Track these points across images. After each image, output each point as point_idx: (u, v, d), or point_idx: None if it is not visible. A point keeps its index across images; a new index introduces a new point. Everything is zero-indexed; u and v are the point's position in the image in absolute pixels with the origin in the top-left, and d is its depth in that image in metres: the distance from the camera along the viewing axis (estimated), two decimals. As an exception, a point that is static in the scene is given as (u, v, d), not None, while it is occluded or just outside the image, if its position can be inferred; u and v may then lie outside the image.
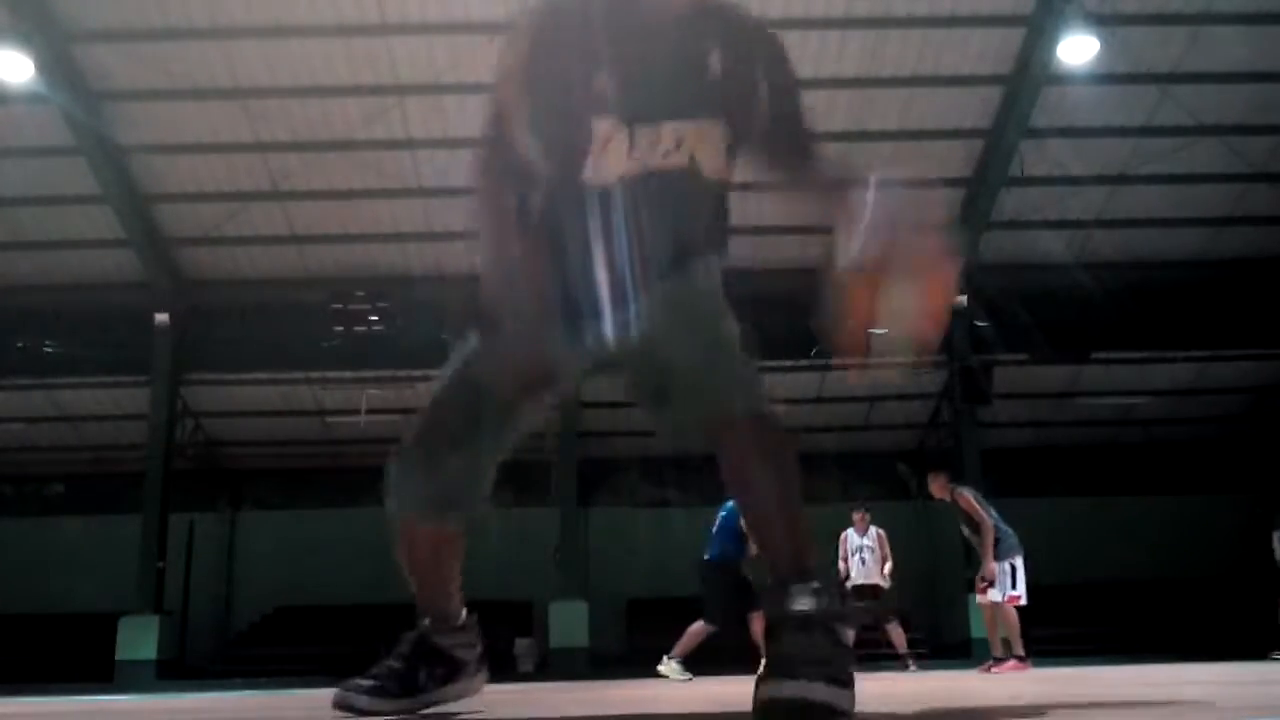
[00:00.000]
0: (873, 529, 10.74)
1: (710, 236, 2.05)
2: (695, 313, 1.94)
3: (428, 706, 2.15)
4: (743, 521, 2.17)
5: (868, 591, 10.35)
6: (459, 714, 2.26)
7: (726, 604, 8.11)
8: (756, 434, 1.85)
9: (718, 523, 8.37)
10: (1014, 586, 8.44)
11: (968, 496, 8.62)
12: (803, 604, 1.72)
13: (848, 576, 10.46)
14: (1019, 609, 8.46)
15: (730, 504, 7.88)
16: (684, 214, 1.96)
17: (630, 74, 1.91)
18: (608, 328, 1.89)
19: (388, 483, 2.06)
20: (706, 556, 8.36)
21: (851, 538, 10.63)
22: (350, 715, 2.07)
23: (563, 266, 1.94)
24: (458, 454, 2.02)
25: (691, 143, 1.92)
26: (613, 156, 1.91)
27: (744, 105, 1.99)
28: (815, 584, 1.74)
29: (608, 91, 1.90)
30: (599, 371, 2.07)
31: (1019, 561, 8.53)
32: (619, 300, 1.89)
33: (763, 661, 1.72)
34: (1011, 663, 8.23)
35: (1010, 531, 8.63)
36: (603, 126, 1.90)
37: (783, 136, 2.06)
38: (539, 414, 2.14)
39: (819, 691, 1.61)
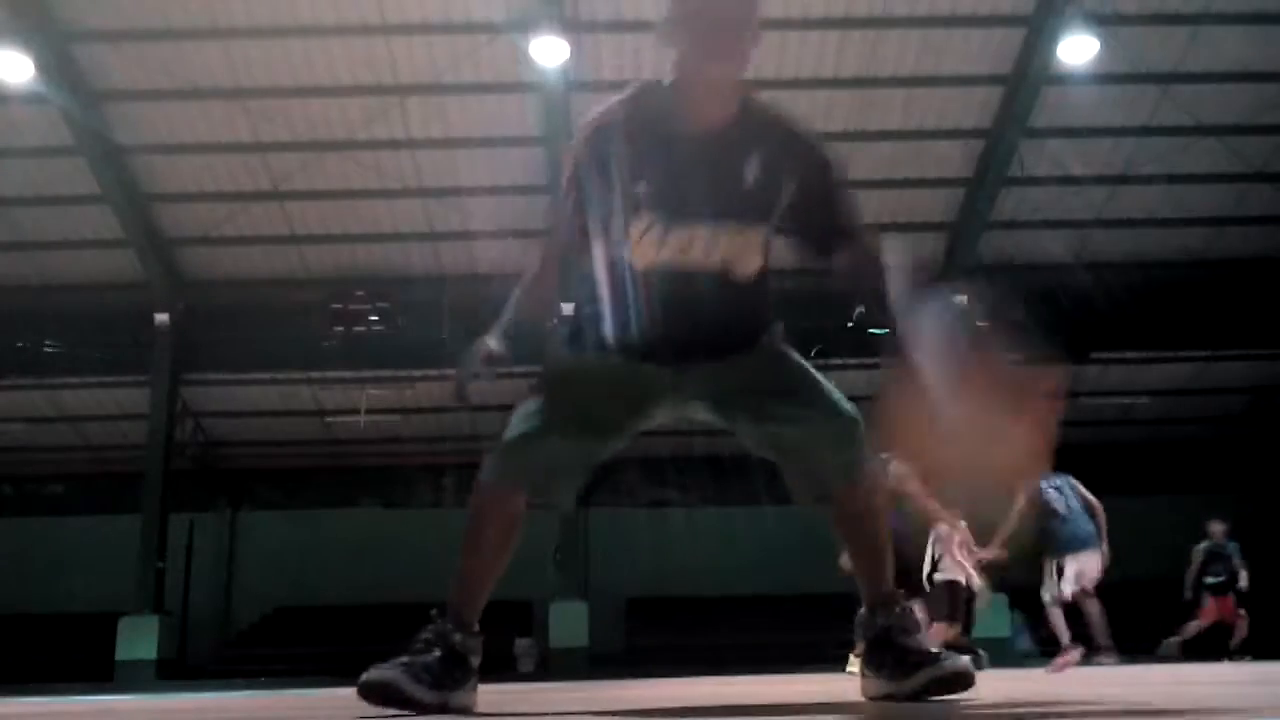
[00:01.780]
0: None
1: (753, 326, 2.30)
2: (806, 380, 2.33)
3: (449, 711, 2.11)
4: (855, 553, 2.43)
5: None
6: (461, 715, 2.26)
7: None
8: (877, 487, 2.34)
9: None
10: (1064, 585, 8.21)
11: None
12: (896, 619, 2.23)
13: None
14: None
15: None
16: (716, 310, 2.18)
17: (669, 178, 2.12)
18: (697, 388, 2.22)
19: (494, 457, 2.22)
20: None
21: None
22: (392, 703, 2.02)
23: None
24: (571, 447, 2.21)
25: (725, 247, 2.15)
26: (646, 249, 2.14)
27: (781, 210, 2.22)
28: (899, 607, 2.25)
29: (645, 192, 2.12)
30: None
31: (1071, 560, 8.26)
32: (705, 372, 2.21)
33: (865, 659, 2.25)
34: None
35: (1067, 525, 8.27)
36: (640, 223, 2.13)
37: (817, 231, 2.31)
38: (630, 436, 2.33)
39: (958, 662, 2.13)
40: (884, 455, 7.63)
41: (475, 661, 2.22)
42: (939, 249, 15.94)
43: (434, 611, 2.22)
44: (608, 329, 2.20)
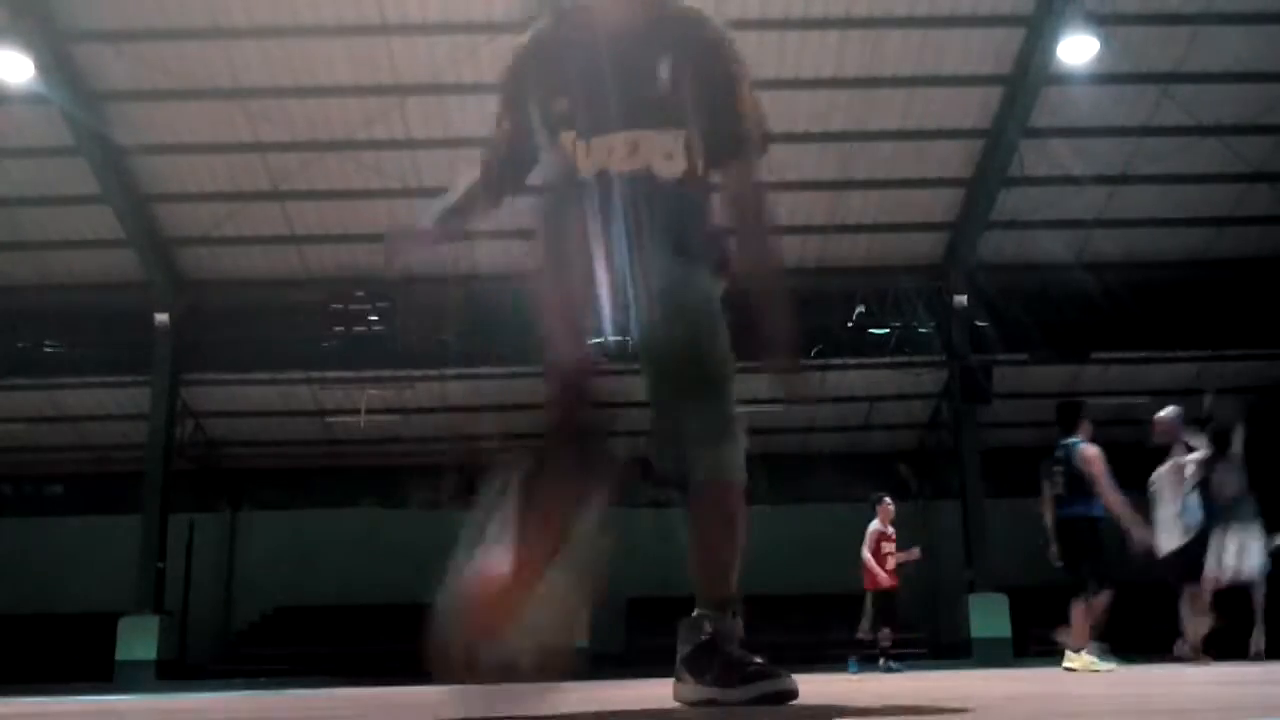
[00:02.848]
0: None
1: (692, 243, 2.21)
2: (689, 344, 2.20)
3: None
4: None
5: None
6: (458, 713, 2.25)
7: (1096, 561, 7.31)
8: (740, 499, 2.21)
9: (1060, 469, 7.58)
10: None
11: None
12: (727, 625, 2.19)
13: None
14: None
15: (1071, 443, 7.50)
16: (650, 214, 2.13)
17: (586, 89, 2.16)
18: (612, 327, 2.16)
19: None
20: (1063, 514, 7.51)
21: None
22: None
23: (570, 262, 2.18)
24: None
25: (645, 151, 2.14)
26: (575, 162, 2.17)
27: (700, 110, 2.17)
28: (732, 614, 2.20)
29: (566, 107, 2.17)
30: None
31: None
32: (619, 301, 2.12)
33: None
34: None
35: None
36: (566, 138, 2.17)
37: (713, 132, 2.20)
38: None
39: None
40: (1071, 440, 7.27)
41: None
42: (939, 249, 15.95)
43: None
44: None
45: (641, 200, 2.12)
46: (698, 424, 2.17)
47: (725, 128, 2.21)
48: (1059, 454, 7.54)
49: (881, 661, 10.14)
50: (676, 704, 2.22)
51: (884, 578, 10.26)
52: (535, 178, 2.36)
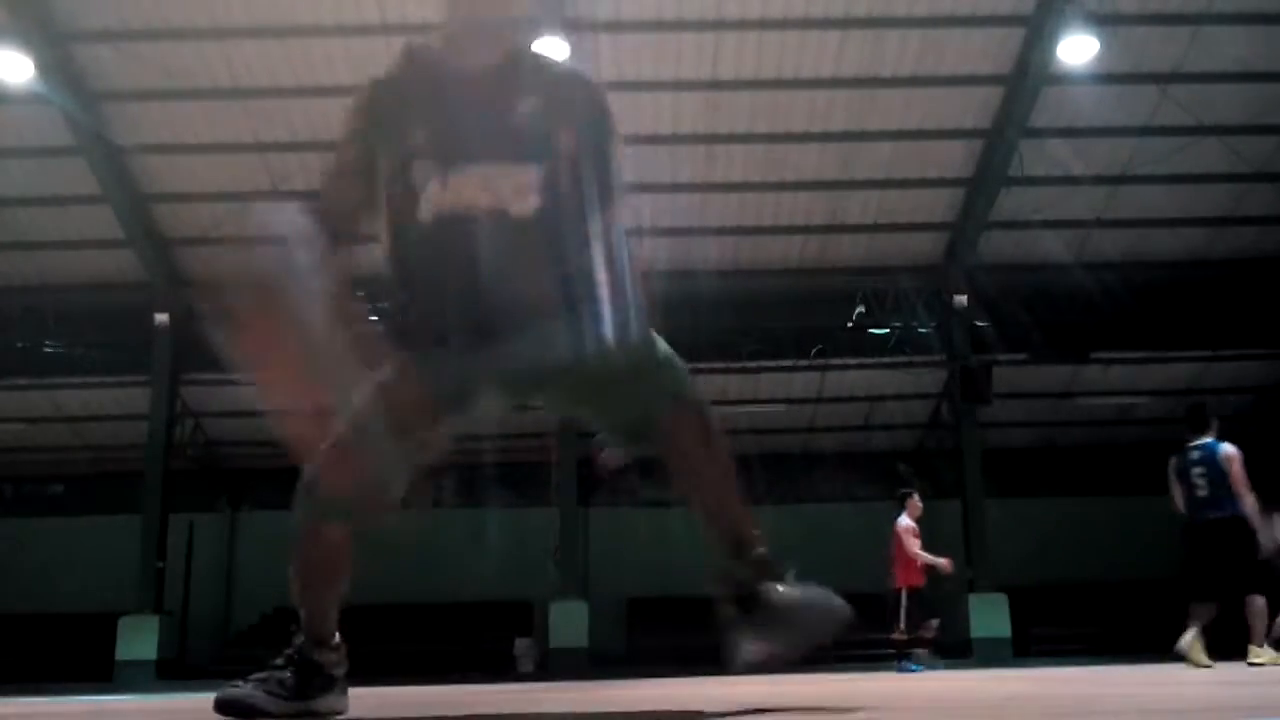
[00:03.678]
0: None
1: (558, 278, 2.11)
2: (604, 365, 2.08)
3: (310, 715, 2.18)
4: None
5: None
6: (458, 714, 2.26)
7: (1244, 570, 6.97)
8: (707, 418, 2.13)
9: (1202, 470, 7.26)
10: None
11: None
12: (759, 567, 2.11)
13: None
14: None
15: (1208, 444, 7.23)
16: (504, 253, 2.06)
17: (442, 124, 2.12)
18: (496, 358, 2.05)
19: (300, 489, 2.19)
20: (1213, 515, 7.08)
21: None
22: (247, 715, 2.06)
23: (435, 297, 2.13)
24: (375, 464, 2.14)
25: (500, 187, 2.08)
26: (425, 199, 2.09)
27: (553, 148, 2.13)
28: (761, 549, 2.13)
29: (420, 142, 2.12)
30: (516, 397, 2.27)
31: None
32: (497, 330, 2.05)
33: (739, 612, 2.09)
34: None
35: None
36: (418, 173, 2.11)
37: (589, 185, 2.15)
38: (450, 435, 2.24)
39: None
40: (1207, 440, 6.97)
41: (339, 670, 2.27)
42: (939, 249, 15.95)
43: (294, 627, 2.25)
44: (400, 298, 2.18)
45: (491, 237, 2.06)
46: (652, 381, 2.10)
47: (604, 180, 2.17)
48: (1195, 455, 7.35)
49: (905, 660, 9.89)
50: (686, 703, 2.21)
51: (916, 574, 9.97)
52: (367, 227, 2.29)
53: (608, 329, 1.99)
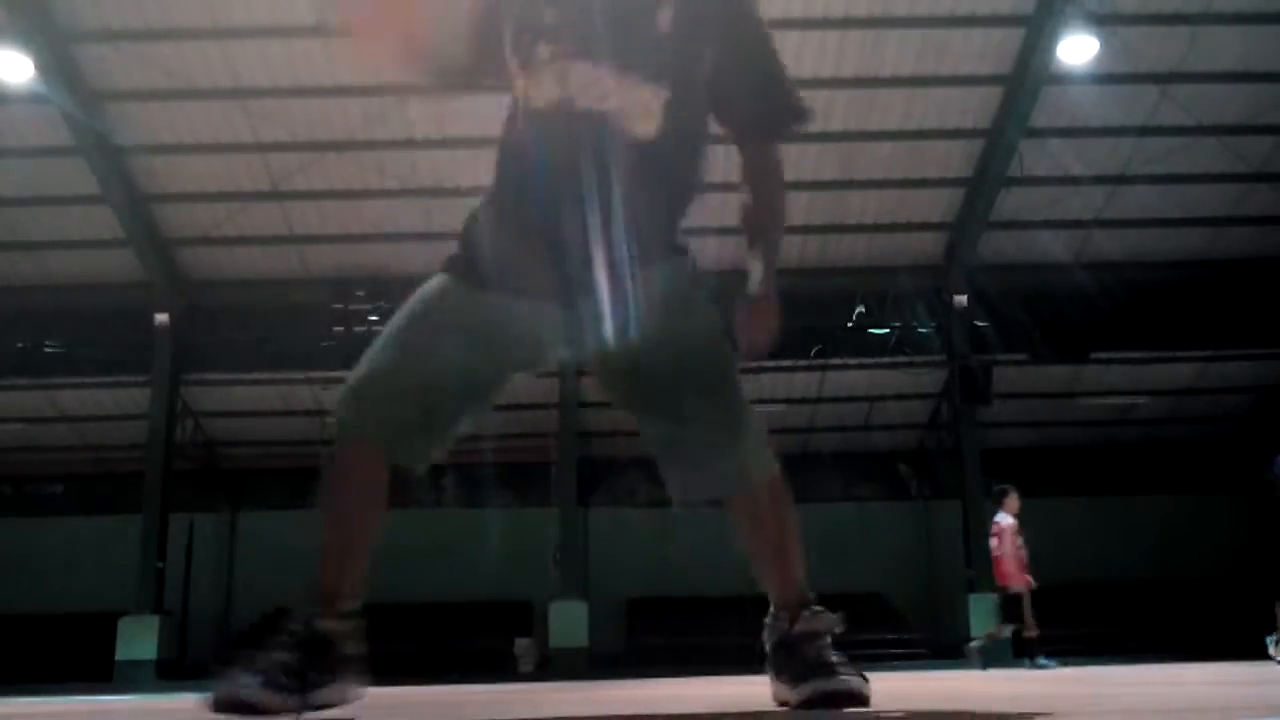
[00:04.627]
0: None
1: (662, 218, 2.00)
2: (701, 346, 2.05)
3: (318, 708, 1.86)
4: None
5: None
6: (458, 714, 2.26)
7: None
8: (780, 489, 2.17)
9: None
10: None
11: None
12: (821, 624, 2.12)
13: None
14: None
15: None
16: (621, 170, 1.90)
17: (580, 9, 1.94)
18: (597, 328, 1.92)
19: (345, 397, 1.98)
20: None
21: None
22: (245, 714, 1.77)
23: (540, 226, 1.95)
24: (431, 395, 1.95)
25: (627, 98, 1.91)
26: (546, 83, 1.93)
27: (693, 69, 1.98)
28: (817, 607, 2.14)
29: (552, 19, 1.94)
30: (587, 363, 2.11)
31: None
32: (607, 295, 1.90)
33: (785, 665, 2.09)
34: None
35: None
36: (543, 51, 1.93)
37: (739, 105, 2.05)
38: (511, 382, 2.10)
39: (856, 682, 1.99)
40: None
41: (353, 649, 1.93)
42: (939, 249, 15.95)
43: (303, 592, 1.96)
44: (500, 198, 2.01)
45: (605, 146, 1.88)
46: (726, 426, 2.04)
47: (767, 98, 2.07)
48: None
49: (1037, 657, 9.75)
50: (686, 703, 2.21)
51: (1018, 575, 9.82)
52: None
53: (670, 314, 1.91)
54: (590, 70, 1.90)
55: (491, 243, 2.00)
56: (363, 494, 1.97)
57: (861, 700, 1.94)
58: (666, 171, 1.96)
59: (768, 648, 2.16)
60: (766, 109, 2.13)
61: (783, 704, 2.09)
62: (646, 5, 1.94)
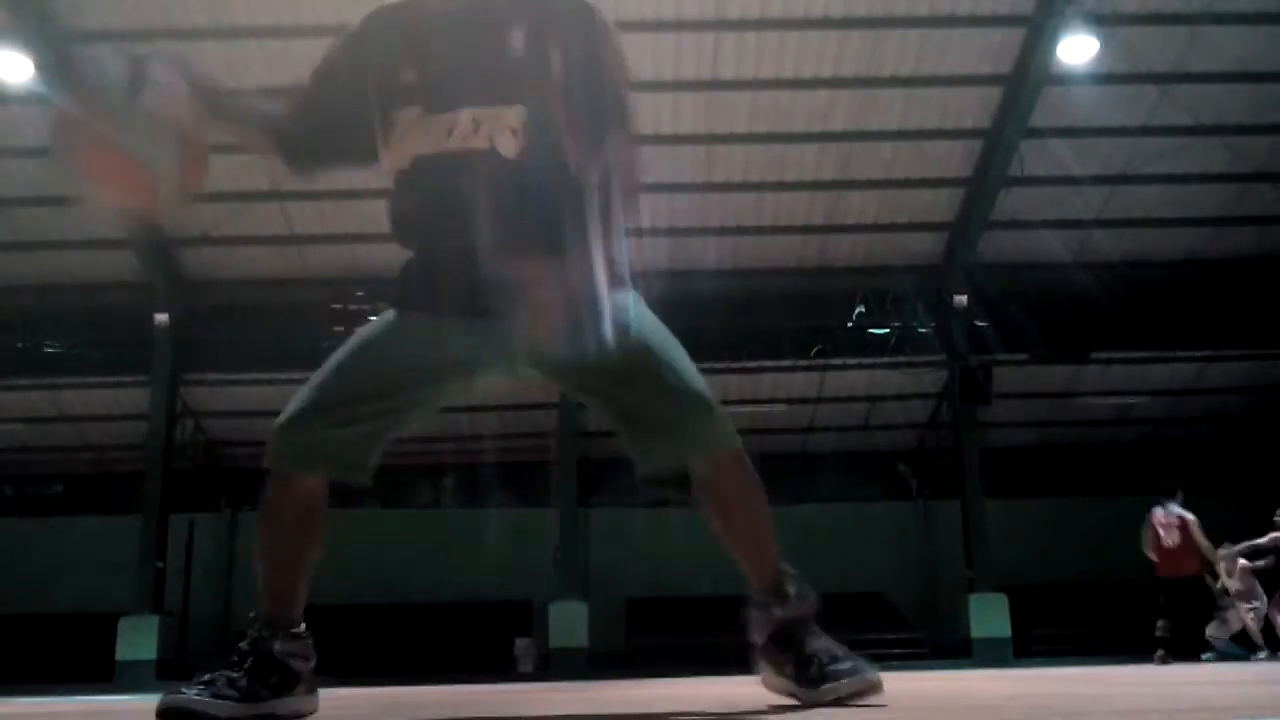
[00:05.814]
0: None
1: (557, 225, 1.96)
2: (641, 328, 2.05)
3: (264, 717, 1.95)
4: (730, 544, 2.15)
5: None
6: (458, 714, 2.26)
7: None
8: (745, 464, 2.14)
9: None
10: None
11: None
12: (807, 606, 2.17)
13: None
14: None
15: None
16: (504, 189, 1.98)
17: (432, 63, 2.05)
18: (522, 334, 1.93)
19: (274, 432, 2.05)
20: None
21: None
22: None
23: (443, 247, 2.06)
24: (359, 418, 2.04)
25: (489, 126, 2.00)
26: (413, 141, 2.04)
27: (550, 87, 2.03)
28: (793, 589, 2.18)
29: (411, 83, 2.05)
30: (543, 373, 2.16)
31: None
32: (523, 304, 1.89)
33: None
34: None
35: None
36: (405, 116, 2.05)
37: (591, 110, 2.03)
38: (451, 400, 2.20)
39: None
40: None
41: (302, 665, 2.02)
42: (939, 249, 15.95)
43: (251, 615, 2.04)
44: (404, 234, 2.13)
45: (483, 179, 1.98)
46: (688, 402, 2.05)
47: (608, 101, 2.05)
48: None
49: (1243, 647, 9.72)
50: (686, 703, 2.22)
51: (1195, 563, 9.74)
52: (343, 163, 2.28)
53: (604, 315, 1.85)
54: (453, 117, 2.01)
55: (411, 274, 2.15)
56: (296, 525, 2.05)
57: (878, 688, 2.01)
58: (549, 182, 1.98)
59: (759, 640, 2.16)
60: (612, 106, 2.08)
61: (790, 695, 2.09)
62: (497, 31, 2.05)
